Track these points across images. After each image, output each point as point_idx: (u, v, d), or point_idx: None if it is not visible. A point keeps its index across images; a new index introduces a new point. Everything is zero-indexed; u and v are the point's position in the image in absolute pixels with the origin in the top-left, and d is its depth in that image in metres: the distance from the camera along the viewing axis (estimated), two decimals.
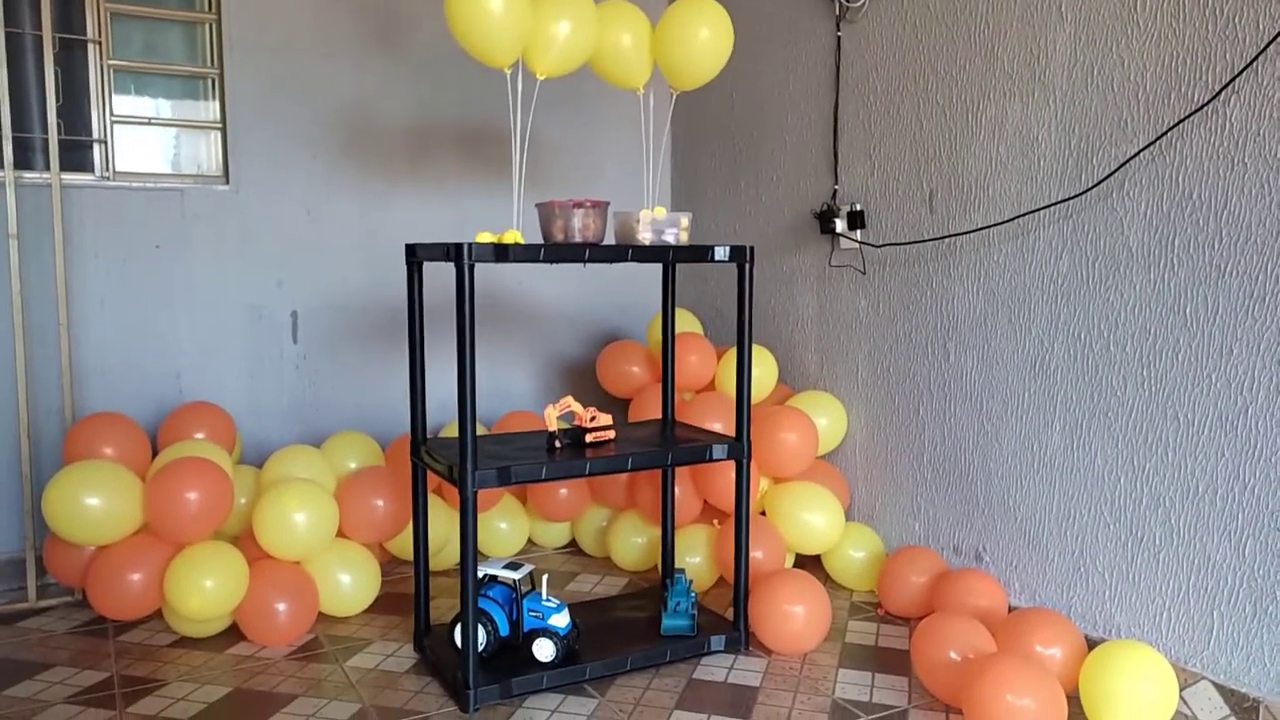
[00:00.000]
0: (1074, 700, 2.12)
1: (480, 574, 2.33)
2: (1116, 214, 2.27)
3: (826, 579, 3.00)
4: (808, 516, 2.87)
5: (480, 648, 2.25)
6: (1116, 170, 2.25)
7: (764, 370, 3.15)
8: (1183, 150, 2.13)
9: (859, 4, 2.94)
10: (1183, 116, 2.10)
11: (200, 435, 2.81)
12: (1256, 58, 1.96)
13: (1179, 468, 2.17)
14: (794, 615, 2.44)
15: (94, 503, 2.41)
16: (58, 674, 2.35)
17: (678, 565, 2.85)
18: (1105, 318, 2.32)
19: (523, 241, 2.19)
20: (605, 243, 2.33)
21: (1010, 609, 2.51)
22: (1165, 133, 2.14)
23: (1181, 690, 2.14)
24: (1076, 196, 2.35)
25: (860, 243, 3.00)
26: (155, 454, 2.76)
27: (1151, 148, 2.18)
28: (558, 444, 2.38)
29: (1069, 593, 2.44)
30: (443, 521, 2.93)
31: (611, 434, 2.46)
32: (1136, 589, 2.28)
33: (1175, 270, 2.16)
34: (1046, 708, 1.96)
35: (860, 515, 3.10)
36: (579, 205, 2.29)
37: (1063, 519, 2.45)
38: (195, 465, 2.46)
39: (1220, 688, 2.09)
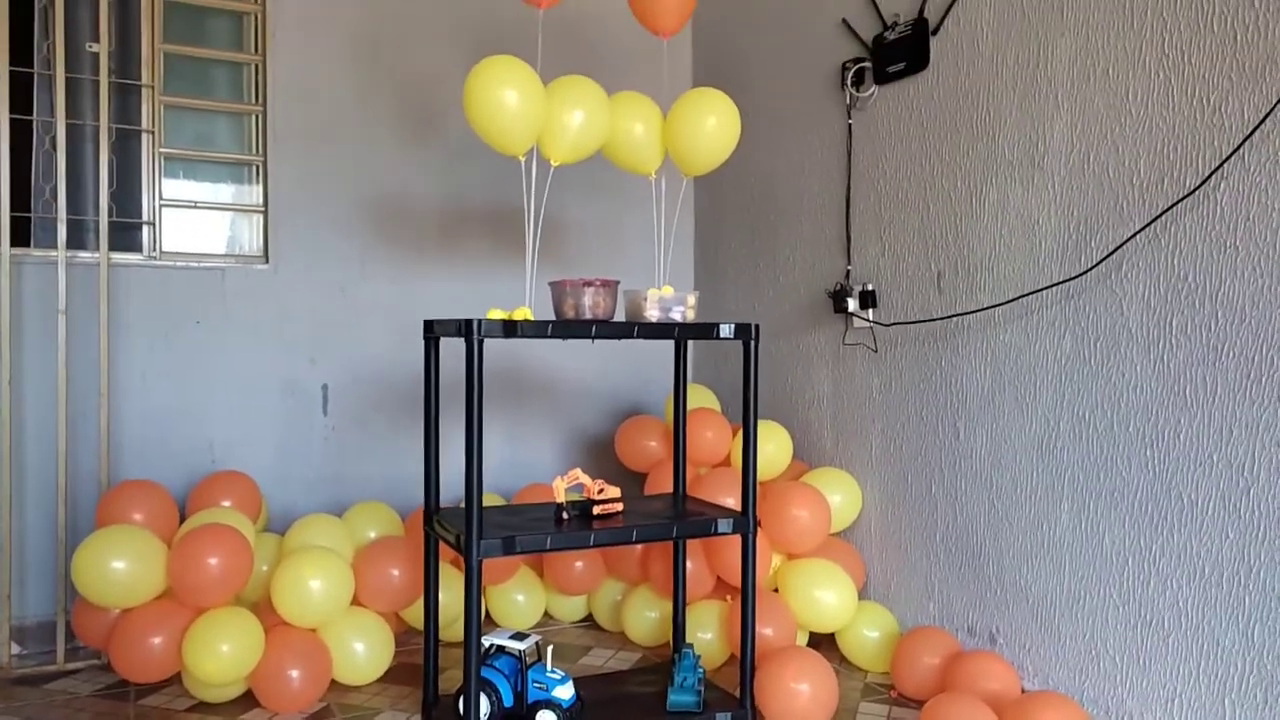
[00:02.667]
0: None
1: (486, 644, 2.36)
2: (1116, 295, 2.31)
3: (841, 659, 2.97)
4: (819, 594, 2.86)
5: (484, 718, 2.27)
6: (1114, 252, 2.29)
7: (778, 446, 3.18)
8: (1177, 234, 2.17)
9: (868, 94, 3.05)
10: (1174, 201, 2.15)
11: (227, 503, 2.91)
12: (1241, 145, 2.01)
13: (1184, 549, 2.16)
14: (799, 693, 2.43)
15: (120, 566, 2.50)
16: None
17: (688, 640, 2.86)
18: (1109, 397, 2.33)
19: (533, 318, 2.28)
20: (615, 319, 2.41)
21: (1023, 692, 2.47)
22: (1158, 216, 2.19)
23: None
24: (1076, 278, 2.39)
25: (872, 322, 3.06)
26: (183, 520, 2.86)
27: (1146, 231, 2.22)
28: (565, 515, 2.44)
29: (1081, 676, 2.40)
30: (458, 591, 2.97)
31: (619, 506, 2.51)
32: (1147, 674, 2.24)
33: (1174, 351, 2.18)
34: None
35: (875, 594, 3.08)
36: (589, 284, 2.38)
37: (1074, 601, 2.42)
38: (217, 531, 2.55)
39: None
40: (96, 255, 3.06)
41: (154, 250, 3.25)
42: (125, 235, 3.25)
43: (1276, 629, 1.98)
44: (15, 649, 2.95)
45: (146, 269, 3.20)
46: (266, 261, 3.39)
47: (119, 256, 3.15)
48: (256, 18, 3.40)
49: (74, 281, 3.02)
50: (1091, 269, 2.35)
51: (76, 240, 3.12)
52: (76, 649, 2.96)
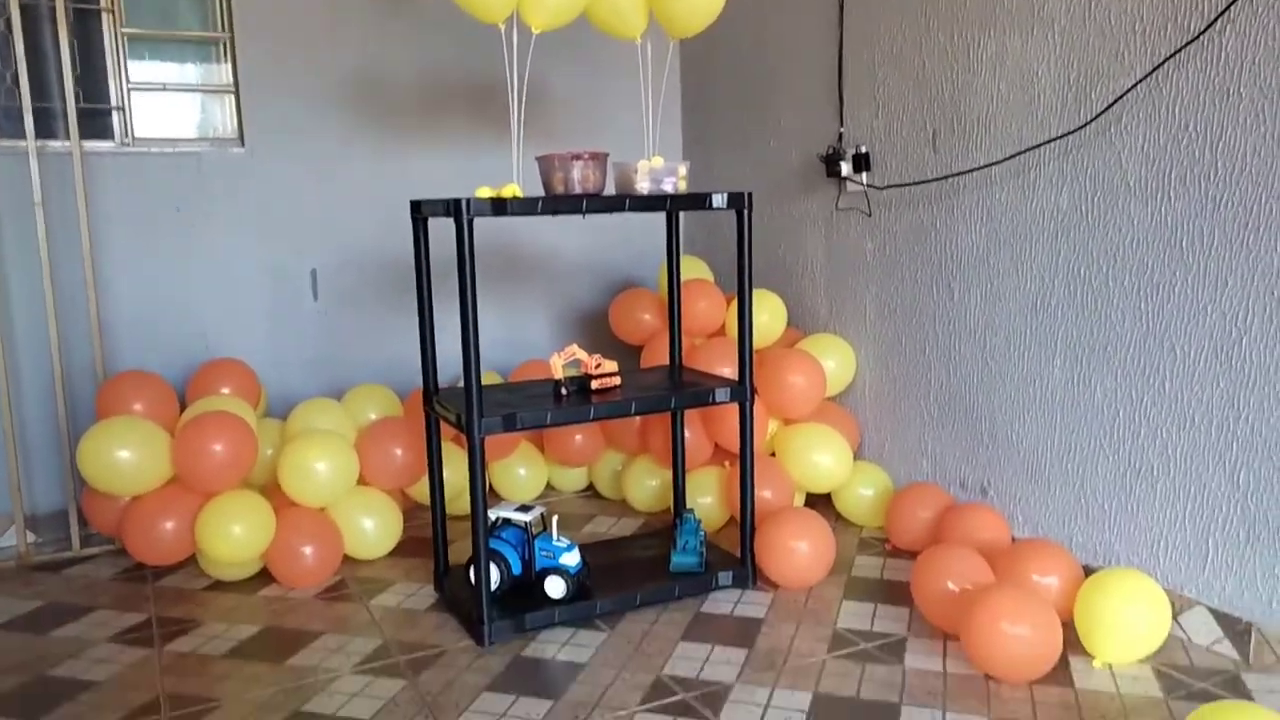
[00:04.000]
0: (1071, 628, 2.18)
1: (493, 517, 2.42)
2: (1115, 148, 2.27)
3: (837, 517, 3.07)
4: (816, 457, 2.93)
5: (494, 586, 2.35)
6: (1114, 103, 2.24)
7: (772, 314, 3.19)
8: (1179, 82, 2.11)
9: None
10: (1178, 47, 2.09)
11: (225, 390, 2.92)
12: None
13: (1175, 399, 2.20)
14: (798, 550, 2.51)
15: (125, 456, 2.53)
16: (100, 616, 2.50)
17: (688, 506, 2.93)
18: (1104, 253, 2.32)
19: (521, 195, 2.24)
20: (606, 193, 2.37)
21: (1014, 540, 2.56)
22: (1161, 64, 2.13)
23: (1176, 615, 2.19)
24: (1075, 131, 2.34)
25: (866, 185, 3.01)
26: (183, 409, 2.87)
27: (1148, 80, 2.17)
28: (564, 391, 2.45)
29: (1070, 524, 2.48)
30: (461, 468, 3.02)
31: (617, 380, 2.52)
32: (1134, 519, 2.32)
33: (1172, 203, 2.16)
34: (1041, 635, 2.02)
35: (870, 454, 3.15)
36: (577, 157, 2.33)
37: (1064, 452, 2.48)
38: (220, 419, 2.57)
39: (1214, 612, 2.14)
40: (67, 144, 2.96)
41: (126, 137, 3.15)
42: (95, 122, 3.14)
43: (1261, 471, 2.04)
44: (31, 537, 3.01)
45: (121, 156, 3.11)
46: (242, 144, 3.29)
47: (91, 144, 3.05)
48: None
49: (47, 173, 2.93)
50: (1091, 121, 2.30)
51: (44, 129, 3.02)
52: (90, 536, 3.03)
